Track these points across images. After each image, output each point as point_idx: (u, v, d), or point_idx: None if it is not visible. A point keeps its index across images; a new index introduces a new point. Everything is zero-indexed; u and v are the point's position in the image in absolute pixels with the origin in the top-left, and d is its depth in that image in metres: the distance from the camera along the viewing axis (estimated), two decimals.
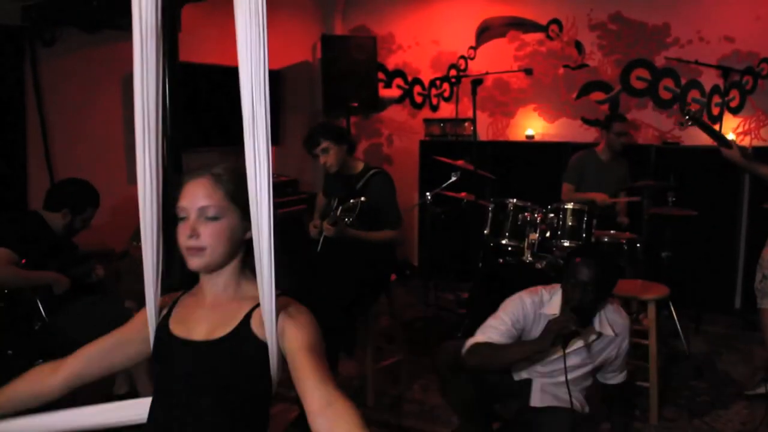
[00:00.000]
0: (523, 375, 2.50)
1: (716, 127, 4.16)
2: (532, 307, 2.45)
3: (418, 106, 5.97)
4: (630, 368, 2.69)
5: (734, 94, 4.81)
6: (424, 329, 4.40)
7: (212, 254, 1.35)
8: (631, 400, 3.14)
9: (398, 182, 3.33)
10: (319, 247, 3.17)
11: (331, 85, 5.54)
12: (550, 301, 2.46)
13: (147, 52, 1.29)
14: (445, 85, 5.83)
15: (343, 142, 3.14)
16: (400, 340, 3.59)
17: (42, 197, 3.04)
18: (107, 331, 1.51)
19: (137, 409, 1.49)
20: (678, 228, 4.18)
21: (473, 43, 5.69)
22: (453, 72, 5.75)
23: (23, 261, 2.73)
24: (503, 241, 3.87)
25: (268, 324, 1.31)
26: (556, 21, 5.36)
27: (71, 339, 2.61)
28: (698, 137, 4.62)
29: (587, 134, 5.31)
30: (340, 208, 3.07)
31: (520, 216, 3.83)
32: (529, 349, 2.31)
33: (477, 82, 4.58)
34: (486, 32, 5.64)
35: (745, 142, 4.80)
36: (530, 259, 3.73)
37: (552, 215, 3.79)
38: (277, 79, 5.44)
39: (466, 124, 5.49)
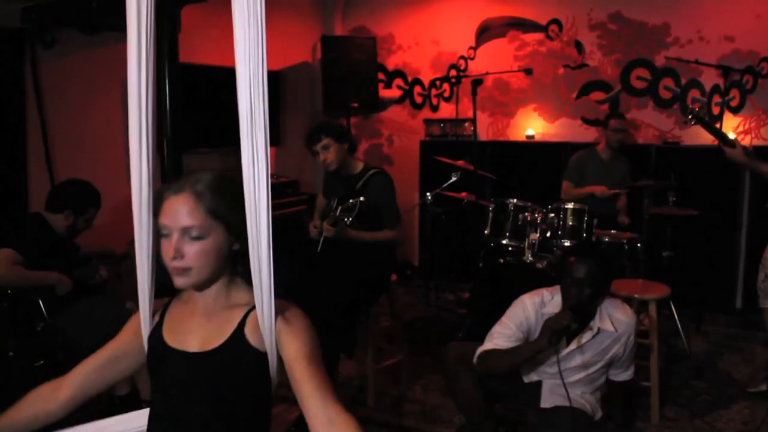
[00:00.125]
0: (533, 377, 2.53)
1: (717, 126, 4.16)
2: (534, 308, 2.47)
3: (418, 107, 5.97)
4: None
5: (734, 93, 4.81)
6: (424, 329, 4.40)
7: (199, 274, 1.32)
8: (633, 399, 3.14)
9: (398, 182, 3.33)
10: (319, 248, 3.17)
11: (331, 85, 5.54)
12: (551, 301, 2.48)
13: (142, 56, 1.28)
14: (445, 86, 5.83)
15: (344, 140, 3.14)
16: (400, 340, 3.58)
17: (42, 198, 3.04)
18: (108, 332, 1.52)
19: (135, 422, 1.50)
20: (679, 228, 4.19)
21: (473, 44, 5.69)
22: (453, 72, 5.75)
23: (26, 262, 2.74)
24: (504, 241, 3.87)
25: (266, 329, 1.30)
26: (555, 21, 5.36)
27: (73, 340, 2.63)
28: (699, 137, 4.64)
29: (587, 134, 5.30)
30: (340, 208, 3.07)
31: (520, 216, 3.83)
32: (530, 349, 2.33)
33: (477, 82, 4.57)
34: (486, 32, 5.64)
35: (746, 141, 4.79)
36: (531, 259, 3.73)
37: (552, 215, 3.79)
38: (277, 80, 5.44)
39: (467, 124, 5.49)
